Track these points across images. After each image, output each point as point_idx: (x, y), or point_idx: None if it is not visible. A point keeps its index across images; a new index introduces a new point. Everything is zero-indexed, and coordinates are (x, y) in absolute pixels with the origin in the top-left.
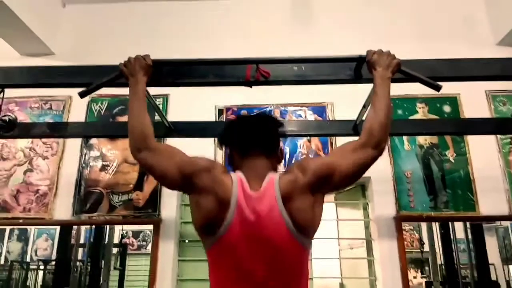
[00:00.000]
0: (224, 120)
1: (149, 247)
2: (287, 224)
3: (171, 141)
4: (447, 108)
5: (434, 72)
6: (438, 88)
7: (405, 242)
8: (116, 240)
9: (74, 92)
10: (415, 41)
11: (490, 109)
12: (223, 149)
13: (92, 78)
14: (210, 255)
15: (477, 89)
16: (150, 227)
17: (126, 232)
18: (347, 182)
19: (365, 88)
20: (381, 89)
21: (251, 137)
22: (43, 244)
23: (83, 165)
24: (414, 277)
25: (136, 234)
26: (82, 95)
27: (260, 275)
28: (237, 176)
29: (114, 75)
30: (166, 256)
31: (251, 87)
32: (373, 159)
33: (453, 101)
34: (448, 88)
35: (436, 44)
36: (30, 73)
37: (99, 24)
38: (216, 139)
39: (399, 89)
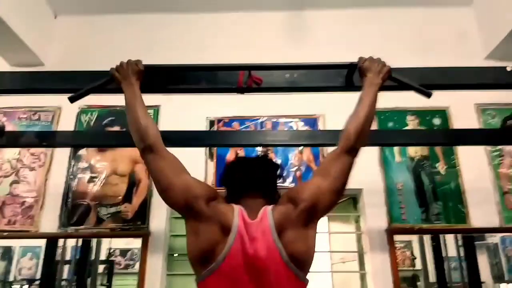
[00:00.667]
0: (216, 130)
1: (137, 266)
2: (281, 253)
3: None
4: (437, 121)
5: (425, 80)
6: (429, 95)
7: (397, 267)
8: (103, 257)
9: (63, 102)
10: (407, 55)
11: (480, 122)
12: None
13: (83, 84)
14: (205, 285)
15: (466, 102)
16: (139, 245)
17: (114, 251)
18: (336, 198)
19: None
20: (367, 95)
21: (249, 183)
22: (27, 263)
23: (71, 176)
24: None
25: (123, 253)
26: (72, 99)
27: None
28: (238, 206)
29: (106, 79)
30: (154, 271)
31: (243, 93)
32: (351, 165)
33: (442, 114)
34: (438, 101)
35: (427, 58)
36: (20, 78)
37: (91, 36)
38: (208, 150)
39: (389, 102)
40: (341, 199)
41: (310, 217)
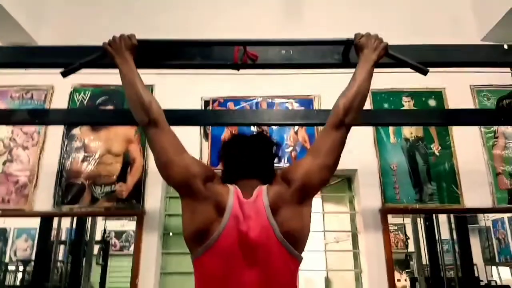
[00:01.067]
0: (211, 109)
1: (132, 248)
2: (275, 231)
3: None
4: (432, 102)
5: (421, 57)
6: (425, 72)
7: (391, 247)
8: (98, 238)
9: (56, 81)
10: (402, 39)
11: (475, 104)
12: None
13: (76, 59)
14: (198, 264)
15: (462, 84)
16: (133, 227)
17: (109, 233)
18: (328, 174)
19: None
20: (360, 71)
21: (245, 166)
22: (22, 245)
23: (65, 155)
24: (398, 280)
25: (118, 235)
26: (64, 74)
27: (249, 283)
28: (233, 186)
29: (98, 54)
30: (149, 249)
31: (238, 70)
32: (341, 140)
33: (438, 95)
34: (434, 82)
35: (422, 41)
36: (12, 53)
37: (85, 16)
38: (202, 130)
39: (385, 83)
40: (332, 175)
41: (303, 195)
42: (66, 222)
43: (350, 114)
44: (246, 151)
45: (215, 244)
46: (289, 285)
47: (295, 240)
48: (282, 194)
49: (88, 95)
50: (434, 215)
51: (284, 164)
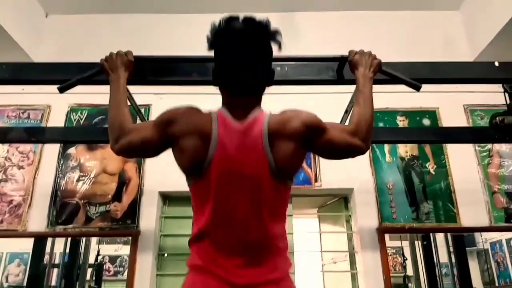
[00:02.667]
0: None
1: (126, 273)
2: (270, 162)
3: None
4: (426, 122)
5: (414, 74)
6: (418, 88)
7: (388, 266)
8: (91, 261)
9: (52, 100)
10: (396, 57)
11: (469, 123)
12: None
13: (72, 75)
14: (193, 189)
15: (455, 103)
16: (128, 251)
17: (103, 257)
18: (330, 150)
19: (347, 98)
20: (365, 87)
21: (245, 83)
22: (15, 270)
23: (60, 175)
24: None
25: (113, 259)
26: (61, 89)
27: (241, 210)
28: (218, 112)
29: (95, 70)
30: (144, 270)
31: None
32: (359, 150)
33: (432, 114)
34: (428, 102)
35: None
36: (9, 69)
37: (81, 35)
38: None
39: (379, 102)
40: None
41: (304, 139)
42: (59, 245)
43: (371, 131)
44: (239, 57)
45: (205, 174)
46: (279, 211)
47: (285, 172)
48: (285, 125)
49: (85, 114)
50: (431, 235)
51: None
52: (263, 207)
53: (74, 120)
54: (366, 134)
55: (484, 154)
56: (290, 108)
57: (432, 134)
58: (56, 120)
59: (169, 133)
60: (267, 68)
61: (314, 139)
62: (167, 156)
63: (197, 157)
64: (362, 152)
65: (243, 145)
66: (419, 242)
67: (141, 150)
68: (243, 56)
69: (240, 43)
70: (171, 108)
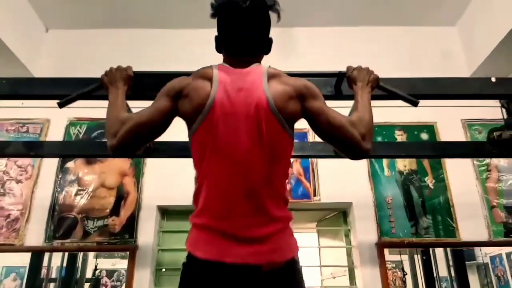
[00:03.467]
0: None
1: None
2: (269, 101)
3: (152, 162)
4: (424, 136)
5: (412, 89)
6: (415, 104)
7: (388, 281)
8: (89, 276)
9: (51, 114)
10: (393, 73)
11: (467, 137)
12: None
13: (72, 90)
14: (195, 138)
15: (453, 118)
16: (125, 265)
17: (100, 271)
18: (325, 124)
19: (346, 112)
20: (363, 98)
21: (246, 50)
22: (11, 284)
23: (58, 189)
24: None
25: (110, 274)
26: (61, 105)
27: (242, 151)
28: (218, 65)
29: (95, 85)
30: (141, 285)
31: None
32: (356, 144)
33: (430, 129)
34: (426, 116)
35: (413, 76)
36: (9, 84)
37: (81, 50)
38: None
39: (378, 117)
40: (323, 139)
41: (301, 99)
42: (56, 259)
43: (371, 133)
44: (241, 24)
45: (206, 118)
46: (280, 154)
47: (285, 114)
48: (284, 76)
49: (84, 128)
50: (431, 249)
51: None
52: (265, 147)
53: (73, 134)
54: (365, 132)
55: (483, 168)
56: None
57: (430, 148)
58: (55, 134)
59: (178, 94)
60: (266, 38)
61: (309, 100)
62: (166, 170)
63: (200, 98)
64: (359, 147)
65: (243, 86)
66: (419, 256)
67: (147, 130)
68: (243, 30)
69: (240, 16)
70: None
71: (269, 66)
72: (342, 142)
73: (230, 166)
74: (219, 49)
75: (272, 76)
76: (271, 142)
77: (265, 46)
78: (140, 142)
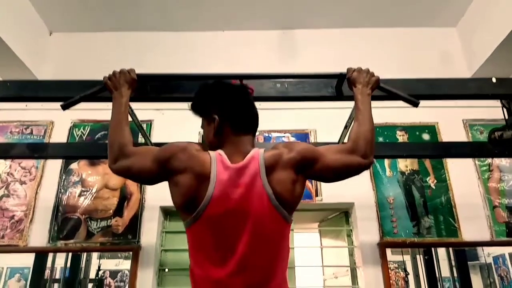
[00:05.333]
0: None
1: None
2: (270, 196)
3: None
4: (426, 136)
5: (412, 90)
6: (416, 104)
7: (390, 281)
8: (92, 276)
9: (55, 116)
10: (393, 74)
11: (468, 137)
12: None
13: (76, 93)
14: (190, 233)
15: (454, 118)
16: (129, 266)
17: (104, 272)
18: (329, 174)
19: (347, 112)
20: (363, 104)
21: (249, 118)
22: (15, 285)
23: (62, 190)
24: None
25: (113, 274)
26: (64, 107)
27: (241, 250)
28: (215, 153)
29: (98, 88)
30: (144, 285)
31: None
32: (359, 166)
33: (431, 129)
34: (427, 117)
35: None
36: (14, 86)
37: (85, 53)
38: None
39: (379, 117)
40: (328, 178)
41: (301, 167)
42: (60, 260)
43: (372, 147)
44: (244, 101)
45: (204, 214)
46: (280, 247)
47: (288, 204)
48: (280, 156)
49: (88, 130)
50: (433, 249)
51: None
52: (266, 244)
53: (77, 136)
54: (365, 150)
55: (484, 168)
56: (282, 142)
57: (432, 148)
58: (59, 136)
59: (168, 169)
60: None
61: (310, 166)
62: None
63: (193, 195)
64: (362, 167)
65: (241, 183)
66: (421, 256)
67: (137, 177)
68: (253, 109)
69: (248, 97)
70: (172, 143)
71: (265, 151)
72: (348, 173)
73: (230, 265)
74: (220, 131)
75: (270, 165)
76: (274, 238)
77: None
78: (136, 181)
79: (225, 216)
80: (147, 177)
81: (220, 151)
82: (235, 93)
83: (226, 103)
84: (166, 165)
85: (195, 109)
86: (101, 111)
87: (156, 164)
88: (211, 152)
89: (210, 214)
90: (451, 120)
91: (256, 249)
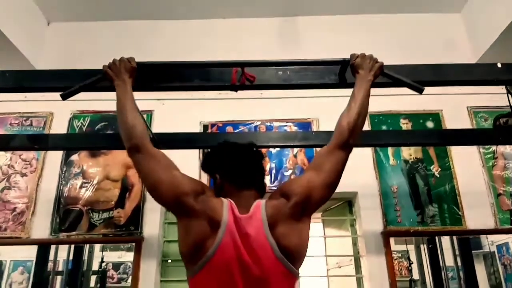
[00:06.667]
0: (209, 132)
1: (130, 280)
2: (273, 248)
3: None
4: (430, 124)
5: (416, 76)
6: (420, 90)
7: (394, 270)
8: (95, 267)
9: (55, 107)
10: (397, 61)
11: (472, 125)
12: (209, 176)
13: (75, 82)
14: (195, 282)
15: (459, 105)
16: (131, 258)
17: (106, 264)
18: (328, 193)
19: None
20: (359, 91)
21: (248, 176)
22: (18, 278)
23: (63, 182)
24: None
25: (116, 267)
26: (64, 96)
27: None
28: (228, 200)
29: (98, 77)
30: (147, 276)
31: (236, 91)
32: (344, 160)
33: (436, 117)
34: (431, 104)
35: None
36: (13, 76)
37: (84, 42)
38: (201, 154)
39: (383, 106)
40: (331, 194)
41: (302, 211)
42: (63, 253)
43: (354, 134)
44: (243, 160)
45: (210, 261)
46: None
47: (293, 256)
48: (280, 209)
49: (87, 121)
50: (437, 238)
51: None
52: None
53: (77, 127)
54: (347, 139)
55: (489, 156)
56: (278, 186)
57: (436, 136)
58: (59, 127)
59: (183, 203)
60: (263, 174)
61: (310, 202)
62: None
63: (203, 241)
64: (346, 158)
65: (248, 233)
66: (425, 246)
67: (149, 186)
68: (246, 160)
69: (242, 154)
70: (191, 178)
71: (266, 200)
72: (342, 170)
73: None
74: (222, 188)
75: (272, 218)
76: None
77: (263, 184)
78: (144, 177)
79: (231, 265)
80: (159, 195)
81: (230, 200)
82: (237, 154)
83: (226, 165)
84: (182, 199)
85: (204, 169)
86: (100, 102)
87: (173, 190)
88: (223, 199)
89: (217, 262)
90: (455, 107)
91: None
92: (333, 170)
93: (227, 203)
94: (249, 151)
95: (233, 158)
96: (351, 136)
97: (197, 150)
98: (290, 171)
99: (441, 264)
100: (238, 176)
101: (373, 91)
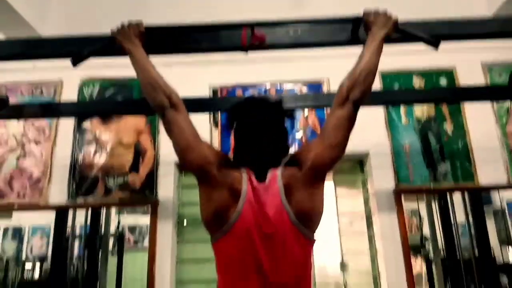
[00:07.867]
0: (219, 96)
1: (146, 243)
2: (289, 214)
3: None
4: (443, 82)
5: (431, 32)
6: (436, 44)
7: (406, 227)
8: (112, 231)
9: (64, 75)
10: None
11: (487, 81)
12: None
13: (84, 48)
14: (217, 248)
15: (473, 61)
16: (147, 221)
17: (123, 228)
18: (337, 153)
19: None
20: (368, 47)
21: (260, 152)
22: (38, 242)
23: (77, 149)
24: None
25: (132, 230)
26: (74, 62)
27: (266, 266)
28: (246, 170)
29: (107, 41)
30: (164, 238)
31: (246, 52)
32: (348, 117)
33: (449, 74)
34: (444, 61)
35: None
36: (19, 44)
37: (88, 6)
38: (212, 118)
39: (395, 63)
40: (342, 153)
41: (315, 176)
42: (80, 218)
43: (356, 89)
44: (262, 137)
45: (232, 229)
46: (304, 265)
47: (309, 221)
48: (294, 177)
49: (97, 88)
50: (448, 195)
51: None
52: (290, 263)
53: (87, 94)
54: (348, 93)
55: (502, 112)
56: (292, 154)
57: (449, 93)
58: (69, 94)
59: (209, 171)
60: (285, 143)
61: (323, 166)
62: None
63: (224, 209)
64: (354, 114)
65: (265, 202)
66: (436, 203)
67: (181, 149)
68: (262, 142)
69: (259, 127)
70: (216, 150)
71: (281, 169)
72: (350, 127)
73: (256, 283)
74: (240, 160)
75: (288, 186)
76: (297, 257)
77: (285, 150)
78: (176, 134)
79: (251, 233)
80: (189, 160)
81: (249, 170)
82: (257, 113)
83: (239, 138)
84: (209, 168)
85: (227, 123)
86: (109, 68)
87: (203, 158)
88: (243, 169)
89: (237, 230)
90: (469, 63)
91: (279, 268)
92: (336, 129)
93: (246, 174)
94: (269, 123)
95: (248, 137)
96: (351, 91)
97: (207, 114)
98: (301, 133)
99: (452, 222)
100: (253, 154)
101: (384, 49)
